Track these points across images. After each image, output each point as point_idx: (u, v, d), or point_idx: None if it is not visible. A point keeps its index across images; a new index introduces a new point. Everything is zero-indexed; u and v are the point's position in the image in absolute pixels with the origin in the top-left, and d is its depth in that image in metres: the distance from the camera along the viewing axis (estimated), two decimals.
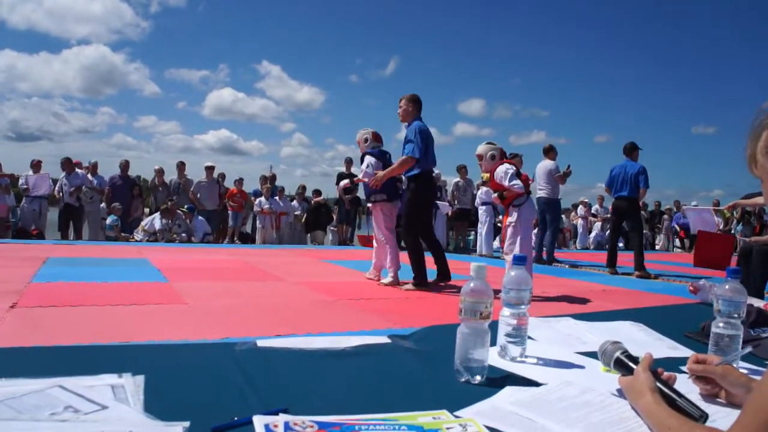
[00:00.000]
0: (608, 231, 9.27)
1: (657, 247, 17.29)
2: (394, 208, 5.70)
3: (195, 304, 4.15)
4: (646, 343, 2.15)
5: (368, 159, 5.63)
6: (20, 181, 11.07)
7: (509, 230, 5.24)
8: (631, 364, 1.51)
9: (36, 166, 11.24)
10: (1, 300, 3.88)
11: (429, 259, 5.69)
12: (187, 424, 1.09)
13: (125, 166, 12.17)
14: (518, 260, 1.75)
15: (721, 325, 1.89)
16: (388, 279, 5.56)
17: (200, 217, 11.89)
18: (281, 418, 1.14)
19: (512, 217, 5.25)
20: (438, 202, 10.27)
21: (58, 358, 1.61)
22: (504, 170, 5.17)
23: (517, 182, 5.07)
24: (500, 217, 10.52)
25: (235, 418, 1.14)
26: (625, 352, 1.57)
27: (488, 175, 11.06)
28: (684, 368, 1.80)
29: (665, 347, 2.11)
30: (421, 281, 5.40)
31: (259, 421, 1.13)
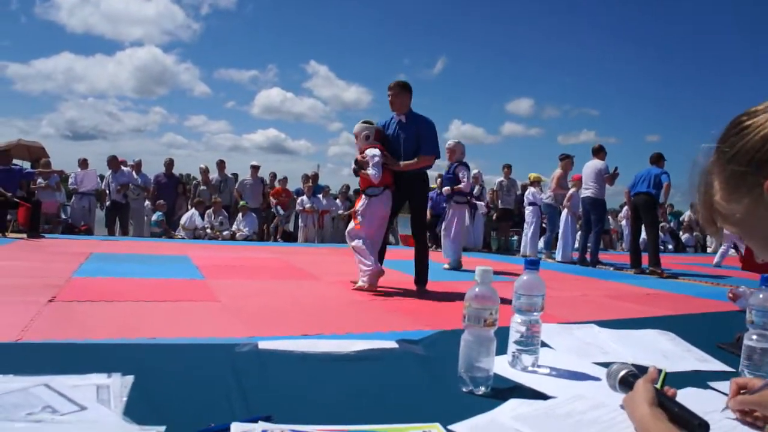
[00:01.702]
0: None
1: (709, 250, 16.72)
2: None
3: (227, 302, 4.18)
4: (673, 354, 2.03)
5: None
6: (69, 180, 11.41)
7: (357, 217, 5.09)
8: (635, 382, 1.41)
9: (83, 164, 11.59)
10: (41, 294, 3.99)
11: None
12: (162, 429, 1.06)
13: (170, 164, 12.41)
14: (531, 264, 1.67)
15: (754, 337, 1.76)
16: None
17: (253, 214, 12.05)
18: (259, 426, 1.10)
19: (360, 205, 5.10)
20: (477, 202, 10.17)
21: (50, 354, 1.61)
22: (372, 154, 4.93)
23: (376, 172, 4.83)
24: (547, 219, 10.36)
25: (212, 425, 1.11)
26: (632, 372, 1.47)
27: (535, 174, 10.93)
28: (711, 384, 1.69)
29: (693, 359, 1.98)
30: (424, 280, 5.32)
31: (236, 428, 1.08)
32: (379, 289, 5.10)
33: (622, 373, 1.47)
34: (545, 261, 9.73)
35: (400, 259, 8.68)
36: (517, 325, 1.67)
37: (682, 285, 7.01)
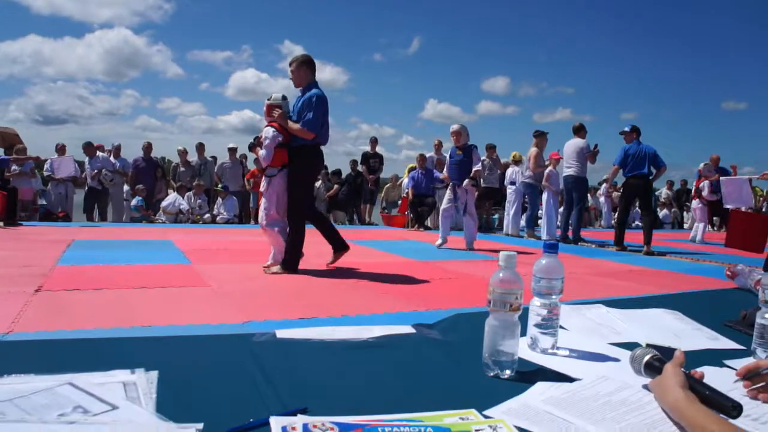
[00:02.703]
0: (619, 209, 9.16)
1: (685, 226, 16.97)
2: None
3: (217, 287, 4.13)
4: (684, 333, 2.05)
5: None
6: (45, 166, 11.18)
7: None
8: (661, 366, 1.42)
9: (61, 150, 11.36)
10: (26, 283, 3.90)
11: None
12: (200, 426, 1.03)
13: (148, 148, 12.21)
14: (549, 248, 1.66)
15: (767, 315, 1.78)
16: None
17: (234, 197, 11.92)
18: (299, 420, 1.08)
19: (262, 188, 5.06)
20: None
21: (72, 351, 1.56)
22: (265, 134, 4.87)
23: (266, 154, 4.79)
24: (527, 197, 10.42)
25: (251, 420, 1.08)
26: (656, 356, 1.47)
27: (517, 153, 10.98)
28: (727, 362, 1.70)
29: (704, 338, 2.00)
30: (292, 264, 4.97)
31: (276, 423, 1.07)
32: (367, 270, 5.10)
33: (647, 357, 1.47)
34: (528, 239, 9.80)
35: (386, 240, 8.71)
36: (537, 309, 1.67)
37: (665, 261, 7.09)
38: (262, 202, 5.01)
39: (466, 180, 7.45)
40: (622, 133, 8.41)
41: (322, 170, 5.13)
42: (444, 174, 7.96)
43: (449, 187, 7.71)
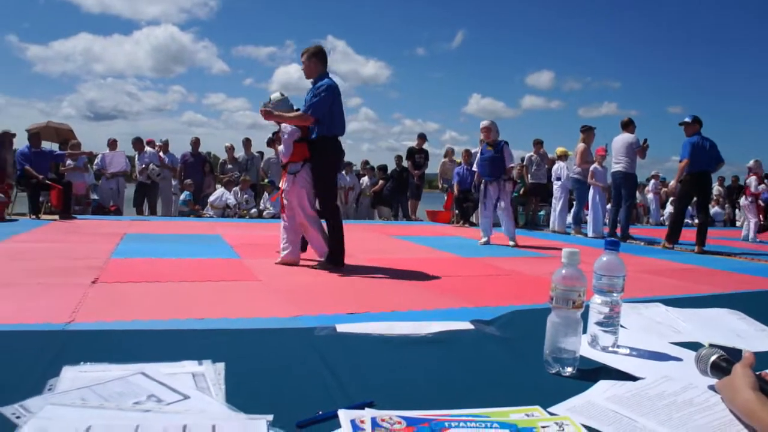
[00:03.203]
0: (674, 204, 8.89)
1: (738, 224, 16.50)
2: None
3: (268, 281, 4.19)
4: (747, 333, 2.00)
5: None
6: (96, 161, 11.49)
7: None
8: (729, 367, 1.38)
9: (112, 144, 11.65)
10: (83, 275, 4.03)
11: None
12: (270, 417, 1.05)
13: (196, 143, 12.44)
14: (611, 245, 1.64)
15: None
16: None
17: None
18: (367, 413, 1.08)
19: (285, 185, 5.02)
20: None
21: (139, 341, 1.61)
22: (284, 129, 4.89)
23: (286, 150, 4.84)
24: (574, 193, 10.28)
25: (320, 413, 1.09)
26: (722, 356, 1.43)
27: (563, 149, 10.85)
28: None
29: None
30: (338, 259, 4.95)
31: (344, 415, 1.08)
32: (413, 267, 5.12)
33: (714, 357, 1.44)
34: (575, 236, 9.67)
35: (431, 236, 8.70)
36: (598, 306, 1.65)
37: (717, 260, 6.92)
38: (289, 199, 4.99)
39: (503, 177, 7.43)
40: (681, 124, 8.05)
41: (343, 162, 4.96)
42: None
43: (482, 185, 7.65)
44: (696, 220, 8.65)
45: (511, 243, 7.39)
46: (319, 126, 4.81)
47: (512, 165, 7.60)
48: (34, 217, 9.01)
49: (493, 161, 7.40)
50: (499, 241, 7.52)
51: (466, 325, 1.82)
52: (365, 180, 13.38)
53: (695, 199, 8.22)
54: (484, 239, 7.49)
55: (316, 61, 4.92)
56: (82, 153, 10.69)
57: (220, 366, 1.32)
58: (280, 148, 4.93)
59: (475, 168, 7.97)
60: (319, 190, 4.95)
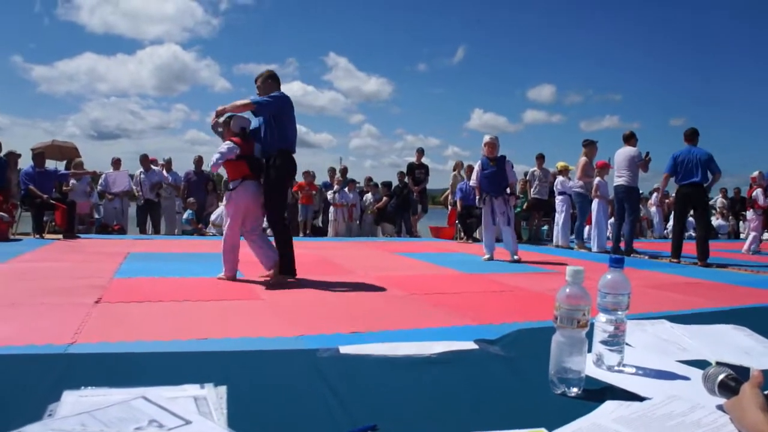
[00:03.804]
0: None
1: (742, 236, 16.44)
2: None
3: (269, 299, 4.18)
4: (756, 351, 1.98)
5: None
6: (99, 181, 11.52)
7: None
8: (737, 386, 1.36)
9: (116, 164, 11.68)
10: (86, 295, 4.02)
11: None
12: None
13: (199, 161, 12.47)
14: (615, 262, 1.63)
15: None
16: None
17: None
18: None
19: (225, 201, 5.18)
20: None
21: (141, 364, 1.60)
22: (222, 147, 4.94)
23: (214, 158, 4.93)
24: (577, 208, 10.25)
25: None
26: (731, 375, 1.42)
27: (564, 163, 10.85)
28: None
29: None
30: (289, 270, 5.05)
31: None
32: (417, 283, 5.10)
33: (721, 376, 1.42)
34: (578, 251, 9.63)
35: (435, 252, 8.68)
36: (603, 325, 1.63)
37: (722, 273, 6.88)
38: (225, 213, 5.18)
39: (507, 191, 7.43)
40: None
41: (294, 176, 5.09)
42: (475, 184, 7.84)
43: (485, 200, 7.61)
44: (695, 233, 8.63)
45: (515, 258, 7.37)
46: (270, 139, 4.93)
47: (514, 180, 7.60)
48: (38, 236, 9.02)
49: (494, 176, 7.40)
50: (502, 257, 7.50)
51: (470, 345, 1.81)
52: (368, 197, 13.37)
53: (692, 212, 8.21)
54: (488, 255, 7.47)
55: (271, 82, 5.09)
56: (85, 173, 10.72)
57: (222, 389, 1.32)
58: (213, 156, 5.01)
59: (473, 183, 7.95)
60: (270, 200, 5.04)
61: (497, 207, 7.48)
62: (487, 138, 7.58)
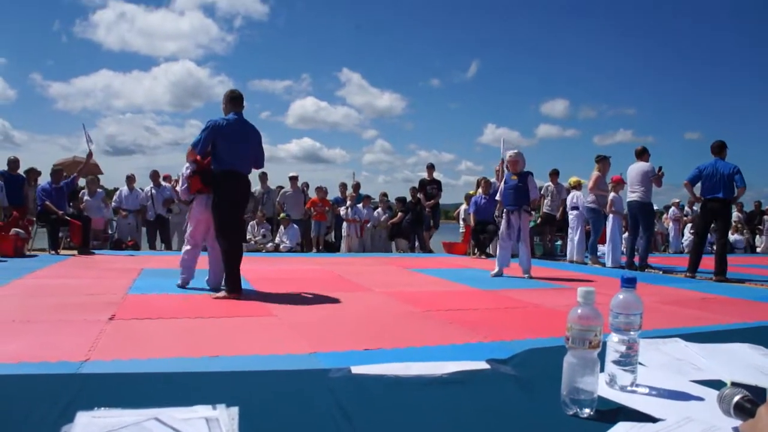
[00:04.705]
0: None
1: (758, 250, 16.29)
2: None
3: (282, 316, 4.17)
4: None
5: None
6: (114, 197, 11.60)
7: None
8: (753, 408, 1.34)
9: (130, 181, 11.77)
10: (100, 311, 4.04)
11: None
12: None
13: None
14: (627, 282, 1.62)
15: None
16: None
17: (295, 226, 12.05)
18: None
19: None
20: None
21: (154, 384, 1.60)
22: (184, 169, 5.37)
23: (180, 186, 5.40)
24: (590, 223, 10.18)
25: None
26: (746, 396, 1.40)
27: (576, 179, 10.79)
28: None
29: None
30: (232, 286, 5.05)
31: None
32: (430, 299, 5.08)
33: (737, 398, 1.40)
34: (592, 266, 9.57)
35: (448, 268, 8.65)
36: (615, 345, 1.62)
37: (738, 288, 6.79)
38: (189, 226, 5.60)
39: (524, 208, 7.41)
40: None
41: (241, 195, 5.25)
42: (498, 198, 7.83)
43: (504, 214, 7.59)
44: (714, 247, 8.52)
45: (526, 275, 7.32)
46: (213, 162, 5.21)
47: (536, 197, 7.58)
48: (53, 252, 9.09)
49: (517, 190, 7.37)
50: (513, 273, 7.46)
51: (482, 365, 1.80)
52: (379, 211, 13.35)
53: (714, 225, 8.08)
54: (497, 270, 7.40)
55: (226, 102, 5.36)
56: (86, 163, 10.35)
57: (234, 411, 1.32)
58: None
59: (498, 197, 7.91)
60: (215, 217, 5.25)
61: (514, 222, 7.44)
62: (511, 154, 7.57)
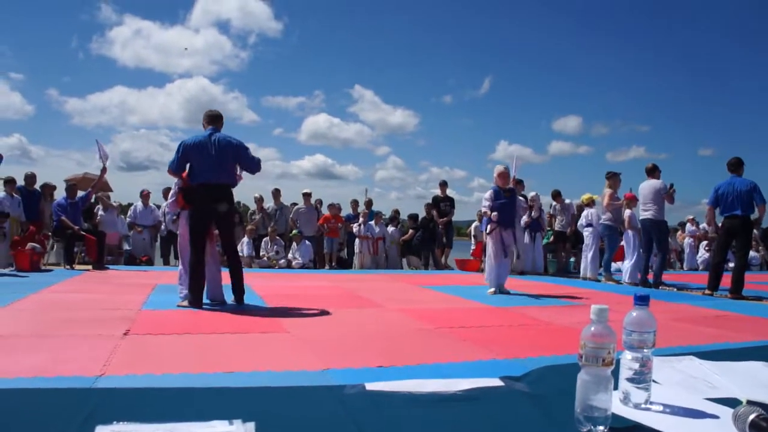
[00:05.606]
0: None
1: None
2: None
3: (296, 332, 4.18)
4: None
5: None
6: (129, 213, 11.71)
7: None
8: None
9: (146, 196, 11.87)
10: (115, 326, 4.07)
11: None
12: None
13: None
14: (640, 300, 1.62)
15: None
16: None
17: (307, 242, 12.07)
18: None
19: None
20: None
21: (171, 399, 1.62)
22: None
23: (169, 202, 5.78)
24: (605, 241, 10.11)
25: None
26: (762, 415, 1.39)
27: (589, 195, 10.74)
28: None
29: None
30: (192, 298, 5.32)
31: None
32: (443, 316, 5.07)
33: (752, 416, 1.40)
34: (606, 283, 9.51)
35: (460, 284, 8.63)
36: (629, 362, 1.62)
37: (755, 306, 6.73)
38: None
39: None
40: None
41: (213, 200, 5.38)
42: (493, 215, 7.57)
43: (495, 231, 7.43)
44: (731, 264, 8.43)
45: (493, 290, 7.24)
46: (189, 177, 5.45)
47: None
48: (68, 267, 9.17)
49: (508, 207, 7.31)
50: (522, 289, 7.42)
51: (496, 382, 1.80)
52: (392, 228, 13.36)
53: (734, 243, 7.98)
54: (493, 289, 7.28)
55: (204, 120, 5.62)
56: (101, 177, 10.41)
57: (251, 426, 1.33)
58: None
59: (492, 214, 7.61)
60: (188, 230, 5.48)
61: (506, 239, 7.37)
62: (500, 168, 7.50)
